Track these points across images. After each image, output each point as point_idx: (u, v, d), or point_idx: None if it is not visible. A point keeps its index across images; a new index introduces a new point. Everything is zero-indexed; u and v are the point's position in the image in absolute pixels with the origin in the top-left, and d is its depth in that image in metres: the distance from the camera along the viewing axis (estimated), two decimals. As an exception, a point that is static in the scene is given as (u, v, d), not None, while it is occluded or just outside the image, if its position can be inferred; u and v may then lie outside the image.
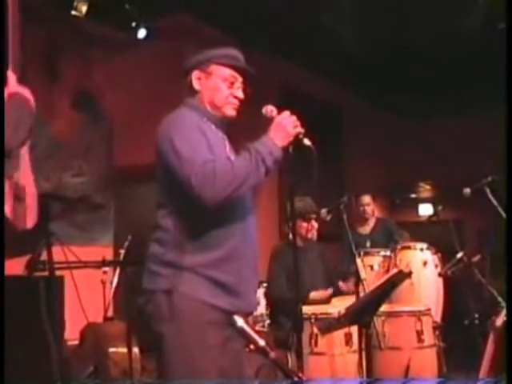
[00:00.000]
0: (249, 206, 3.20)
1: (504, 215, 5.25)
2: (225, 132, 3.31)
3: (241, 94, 3.26)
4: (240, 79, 3.27)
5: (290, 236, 5.81)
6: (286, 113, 3.14)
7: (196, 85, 3.25)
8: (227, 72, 3.24)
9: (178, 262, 3.02)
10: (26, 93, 3.00)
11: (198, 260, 3.01)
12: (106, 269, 6.05)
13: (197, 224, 3.04)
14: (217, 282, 3.02)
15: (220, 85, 3.23)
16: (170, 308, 2.98)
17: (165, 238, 3.08)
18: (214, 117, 3.23)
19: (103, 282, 6.10)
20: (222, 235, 3.06)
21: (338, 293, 5.90)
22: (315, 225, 5.93)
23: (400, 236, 7.28)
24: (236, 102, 3.25)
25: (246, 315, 3.08)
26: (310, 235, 5.91)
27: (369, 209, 7.67)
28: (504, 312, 4.06)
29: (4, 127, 2.75)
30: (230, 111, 3.25)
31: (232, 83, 3.24)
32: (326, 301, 5.71)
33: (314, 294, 5.78)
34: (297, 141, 3.13)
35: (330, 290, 5.89)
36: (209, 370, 2.95)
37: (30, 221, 3.00)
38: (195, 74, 3.26)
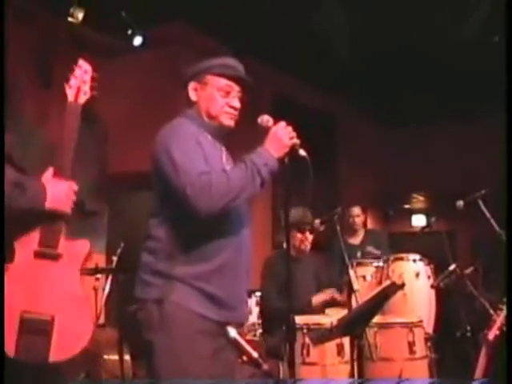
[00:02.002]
0: (244, 218, 3.21)
1: (497, 228, 5.29)
2: (222, 142, 3.32)
3: (237, 104, 3.27)
4: (236, 88, 3.27)
5: (284, 246, 5.84)
6: (282, 123, 3.15)
7: (193, 96, 3.27)
8: (223, 82, 3.25)
9: (169, 272, 3.02)
10: None
11: (188, 271, 3.02)
12: (99, 276, 6.04)
13: (189, 235, 3.05)
14: (207, 294, 3.03)
15: (215, 94, 3.24)
16: (160, 317, 2.99)
17: (156, 247, 3.09)
18: (211, 127, 3.24)
19: (95, 289, 6.08)
20: (214, 248, 3.06)
21: (332, 303, 5.90)
22: (309, 236, 5.94)
23: (384, 252, 7.27)
24: (232, 111, 3.25)
25: (238, 326, 3.08)
26: (303, 246, 5.92)
27: (358, 220, 7.67)
28: (497, 326, 4.08)
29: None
30: (228, 121, 3.25)
31: (228, 93, 3.24)
32: (328, 304, 5.71)
33: (316, 299, 5.79)
34: (292, 152, 3.14)
35: (330, 293, 5.89)
36: (199, 379, 2.95)
37: None
38: (192, 86, 3.27)
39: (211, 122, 3.25)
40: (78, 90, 3.75)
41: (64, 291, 3.46)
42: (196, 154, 3.03)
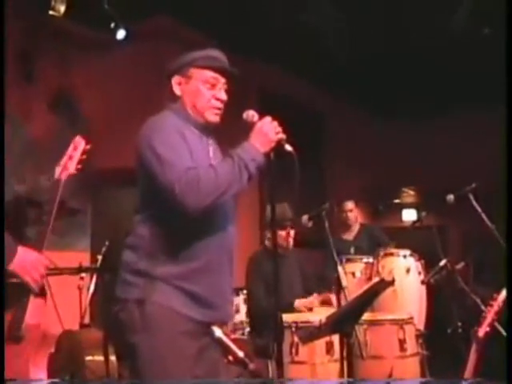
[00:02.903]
0: (229, 216, 3.20)
1: (488, 222, 5.30)
2: (210, 136, 3.29)
3: (223, 96, 3.24)
4: (222, 80, 3.24)
5: (267, 243, 5.84)
6: (268, 118, 3.14)
7: (177, 90, 3.24)
8: (208, 74, 3.21)
9: (150, 272, 3.01)
10: None
11: (170, 271, 3.01)
12: (83, 275, 6.02)
13: (172, 233, 3.04)
14: (190, 293, 3.02)
15: (200, 88, 3.21)
16: (142, 317, 2.98)
17: (138, 245, 3.08)
18: (196, 122, 3.22)
19: (80, 289, 6.08)
20: (198, 247, 3.05)
21: (321, 302, 5.90)
22: (291, 232, 5.93)
23: (384, 242, 7.29)
24: (219, 104, 3.22)
25: (222, 325, 3.07)
26: (285, 243, 5.89)
27: (352, 215, 7.68)
28: (487, 322, 4.09)
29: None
30: (213, 117, 3.22)
31: (213, 85, 3.21)
32: (309, 309, 5.71)
33: (298, 303, 5.78)
34: (278, 147, 3.14)
35: (313, 299, 5.89)
36: (183, 380, 2.95)
37: None
38: (175, 80, 3.24)
39: (197, 117, 3.22)
40: (65, 167, 3.79)
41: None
42: (181, 149, 3.02)
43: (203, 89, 3.21)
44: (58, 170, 3.84)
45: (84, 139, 3.94)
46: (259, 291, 5.65)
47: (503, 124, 3.86)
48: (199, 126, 3.23)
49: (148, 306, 2.98)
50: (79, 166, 3.87)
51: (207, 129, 3.27)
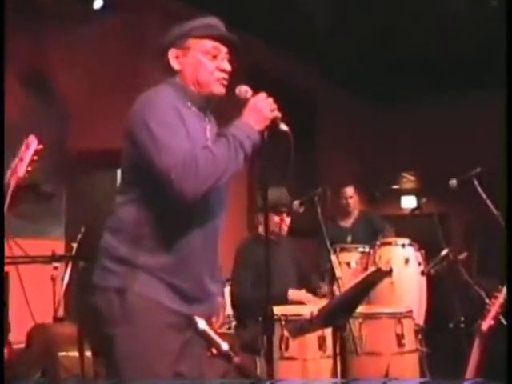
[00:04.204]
0: (218, 205, 3.17)
1: (494, 209, 5.30)
2: (208, 114, 3.25)
3: (227, 66, 3.18)
4: (224, 50, 3.18)
5: (260, 229, 5.82)
6: (262, 94, 3.11)
7: (175, 64, 3.17)
8: (208, 44, 3.15)
9: (132, 260, 2.99)
10: None
11: (152, 261, 2.99)
12: (57, 264, 5.99)
13: (157, 219, 3.01)
14: (172, 285, 3.01)
15: (202, 59, 3.15)
16: (122, 308, 2.96)
17: (120, 228, 3.06)
18: (199, 97, 3.16)
19: (53, 279, 6.05)
20: (182, 236, 3.03)
21: (314, 293, 5.89)
22: (287, 219, 5.91)
23: (384, 230, 7.30)
24: (223, 75, 3.16)
25: (208, 319, 3.06)
26: (280, 230, 5.87)
27: (352, 201, 7.70)
28: (491, 315, 4.09)
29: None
30: (218, 88, 3.16)
31: (215, 56, 3.16)
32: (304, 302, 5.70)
33: (292, 294, 5.77)
34: (273, 126, 3.12)
35: (308, 294, 5.88)
36: (165, 376, 2.94)
37: None
38: (172, 53, 3.17)
39: (200, 92, 3.16)
40: (15, 170, 3.75)
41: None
42: (179, 129, 2.97)
43: (205, 60, 3.15)
44: (8, 173, 3.77)
45: (37, 138, 3.85)
46: (247, 281, 5.63)
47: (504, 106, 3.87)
48: (199, 102, 3.17)
49: (129, 295, 2.96)
50: (29, 169, 3.80)
51: (208, 105, 3.23)
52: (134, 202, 3.05)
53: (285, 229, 5.92)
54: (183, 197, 2.87)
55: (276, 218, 5.81)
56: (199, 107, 3.19)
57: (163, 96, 3.08)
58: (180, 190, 2.86)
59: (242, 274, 5.76)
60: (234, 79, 3.28)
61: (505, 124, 4.06)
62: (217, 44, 3.17)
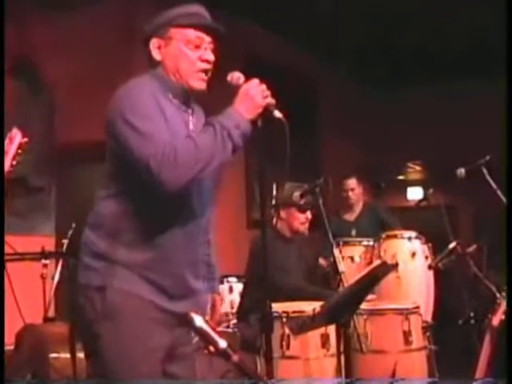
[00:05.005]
0: (201, 202, 3.15)
1: (504, 199, 5.29)
2: (192, 107, 3.23)
3: (210, 56, 3.15)
4: (207, 39, 3.16)
5: (278, 225, 5.79)
6: (255, 81, 3.09)
7: (156, 55, 3.16)
8: (191, 33, 3.13)
9: (111, 255, 3.00)
10: None
11: (131, 256, 2.99)
12: (47, 261, 5.99)
13: (137, 214, 3.01)
14: (153, 282, 3.02)
15: (183, 49, 3.13)
16: (104, 306, 2.97)
17: (98, 223, 3.06)
18: (180, 89, 3.15)
19: (43, 277, 6.04)
20: (162, 232, 3.02)
21: None
22: (309, 216, 5.88)
23: (390, 223, 7.29)
24: (205, 65, 3.13)
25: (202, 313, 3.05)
26: (302, 228, 5.83)
27: (354, 194, 7.67)
28: (502, 310, 4.09)
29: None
30: (198, 83, 3.14)
31: (198, 46, 3.13)
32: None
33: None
34: (266, 113, 3.10)
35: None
36: (153, 374, 2.96)
37: None
38: (154, 43, 3.15)
39: (180, 84, 3.14)
40: None
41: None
42: (157, 119, 2.97)
43: (186, 50, 3.13)
44: None
45: (21, 131, 3.84)
46: (255, 278, 5.59)
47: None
48: (181, 95, 3.16)
49: (109, 292, 2.96)
50: (14, 162, 3.79)
51: (190, 98, 3.22)
52: (114, 196, 3.06)
53: (306, 226, 5.87)
54: (163, 186, 2.86)
55: (300, 216, 5.76)
56: (181, 99, 3.17)
57: (142, 87, 3.07)
58: (159, 179, 2.84)
59: (251, 269, 5.70)
60: (230, 66, 3.26)
61: (506, 113, 4.04)
62: (200, 33, 3.14)
